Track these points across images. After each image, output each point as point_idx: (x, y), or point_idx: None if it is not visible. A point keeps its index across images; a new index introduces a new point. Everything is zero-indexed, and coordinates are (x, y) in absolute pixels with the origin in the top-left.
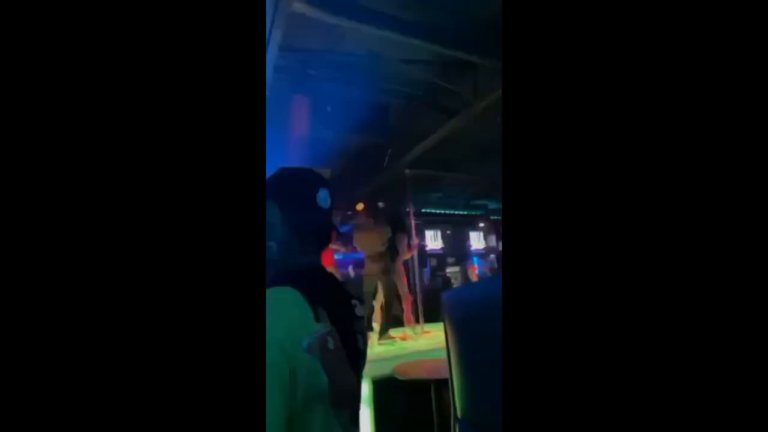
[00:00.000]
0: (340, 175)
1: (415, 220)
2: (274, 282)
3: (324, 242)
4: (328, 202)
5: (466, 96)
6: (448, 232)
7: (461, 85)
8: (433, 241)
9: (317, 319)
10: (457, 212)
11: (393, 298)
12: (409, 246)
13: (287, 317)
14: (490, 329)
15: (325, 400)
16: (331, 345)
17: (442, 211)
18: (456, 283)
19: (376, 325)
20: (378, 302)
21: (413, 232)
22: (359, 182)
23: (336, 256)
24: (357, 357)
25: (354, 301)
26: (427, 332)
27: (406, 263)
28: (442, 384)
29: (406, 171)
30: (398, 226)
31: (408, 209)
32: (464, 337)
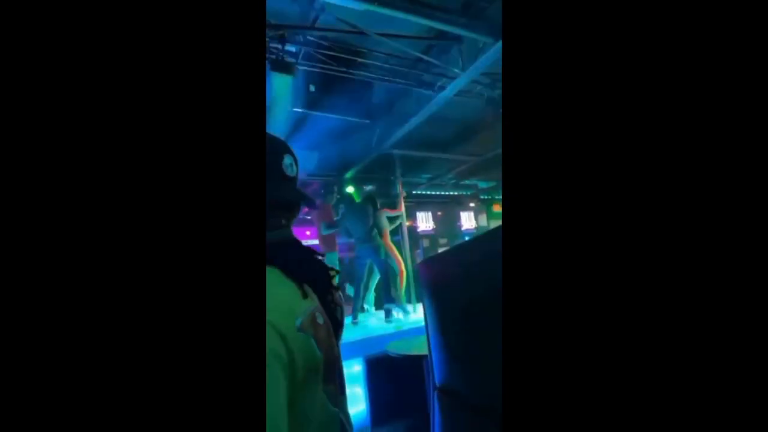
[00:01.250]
0: (328, 157)
1: (404, 201)
2: None
3: (294, 212)
4: (294, 169)
5: (452, 72)
6: (439, 213)
7: (446, 60)
8: (425, 222)
9: (304, 295)
10: (446, 193)
11: (387, 277)
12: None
13: (277, 299)
14: (464, 297)
15: (319, 376)
16: (320, 320)
17: (432, 192)
18: None
19: (368, 306)
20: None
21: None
22: (347, 163)
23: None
24: (337, 328)
25: (331, 272)
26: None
27: (398, 244)
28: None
29: (394, 151)
30: (375, 205)
31: (399, 192)
32: (439, 306)
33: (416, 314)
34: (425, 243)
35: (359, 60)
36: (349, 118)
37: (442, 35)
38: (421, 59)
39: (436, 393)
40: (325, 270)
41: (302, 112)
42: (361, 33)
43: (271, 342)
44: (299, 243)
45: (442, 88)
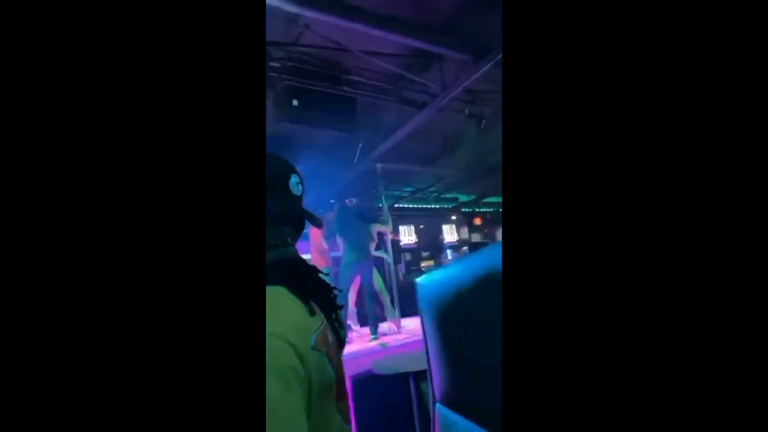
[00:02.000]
0: (311, 172)
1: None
2: None
3: (299, 231)
4: (300, 188)
5: (433, 88)
6: (422, 226)
7: (428, 78)
8: (407, 235)
9: (312, 313)
10: (428, 206)
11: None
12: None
13: (291, 318)
14: (463, 313)
15: (333, 394)
16: (330, 338)
17: (414, 206)
18: None
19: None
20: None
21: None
22: (330, 178)
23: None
24: (341, 346)
25: (335, 291)
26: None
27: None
28: (420, 375)
29: (377, 165)
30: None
31: (381, 204)
32: (438, 321)
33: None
34: (407, 257)
35: (342, 76)
36: (332, 132)
37: (423, 53)
38: (402, 76)
39: (437, 406)
40: (328, 288)
41: (285, 126)
42: (344, 50)
43: (291, 361)
44: (304, 261)
45: (424, 104)
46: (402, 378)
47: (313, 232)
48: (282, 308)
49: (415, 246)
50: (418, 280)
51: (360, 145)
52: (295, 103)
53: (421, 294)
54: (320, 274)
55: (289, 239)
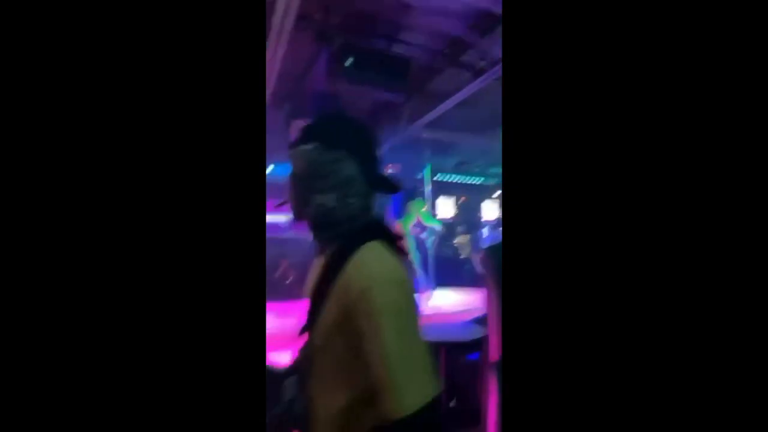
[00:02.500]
0: None
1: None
2: (359, 237)
3: (391, 193)
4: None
5: (493, 56)
6: (462, 200)
7: (489, 43)
8: (446, 209)
9: (403, 263)
10: (471, 180)
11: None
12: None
13: (397, 263)
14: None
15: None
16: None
17: (456, 179)
18: (463, 254)
19: None
20: None
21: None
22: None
23: None
24: None
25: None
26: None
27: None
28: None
29: (423, 132)
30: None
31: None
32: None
33: None
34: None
35: (399, 36)
36: (383, 95)
37: (486, 14)
38: (462, 39)
39: (496, 366)
40: (405, 250)
41: (335, 87)
42: (405, 5)
43: (411, 296)
44: (387, 224)
45: (482, 70)
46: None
47: None
48: (389, 256)
49: (452, 221)
50: (484, 250)
51: (406, 110)
52: (349, 61)
53: (487, 264)
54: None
55: (372, 205)
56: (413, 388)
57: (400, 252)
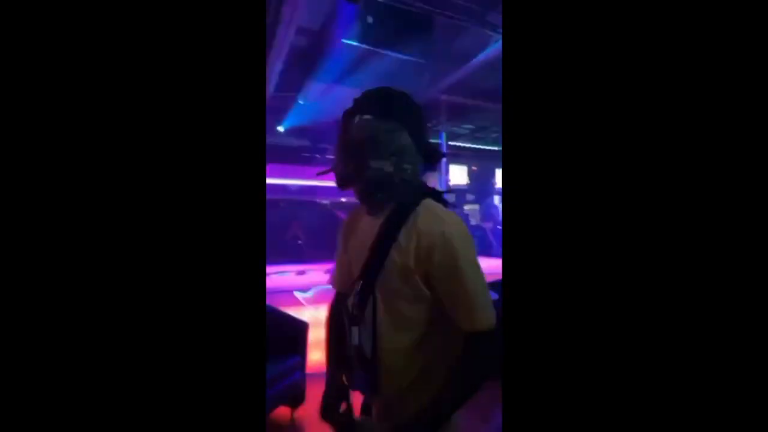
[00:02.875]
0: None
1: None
2: (415, 197)
3: (438, 163)
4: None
5: None
6: (474, 168)
7: None
8: (459, 176)
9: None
10: (486, 147)
11: None
12: None
13: (458, 217)
14: None
15: None
16: None
17: (471, 145)
18: (474, 220)
19: None
20: None
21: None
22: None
23: None
24: None
25: None
26: None
27: None
28: None
29: (442, 96)
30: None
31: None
32: None
33: None
34: (451, 198)
35: None
36: (405, 57)
37: None
38: None
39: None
40: None
41: (355, 45)
42: None
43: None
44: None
45: None
46: None
47: None
48: (447, 210)
49: (465, 188)
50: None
51: (426, 73)
52: (369, 20)
53: None
54: None
55: (430, 170)
56: (490, 309)
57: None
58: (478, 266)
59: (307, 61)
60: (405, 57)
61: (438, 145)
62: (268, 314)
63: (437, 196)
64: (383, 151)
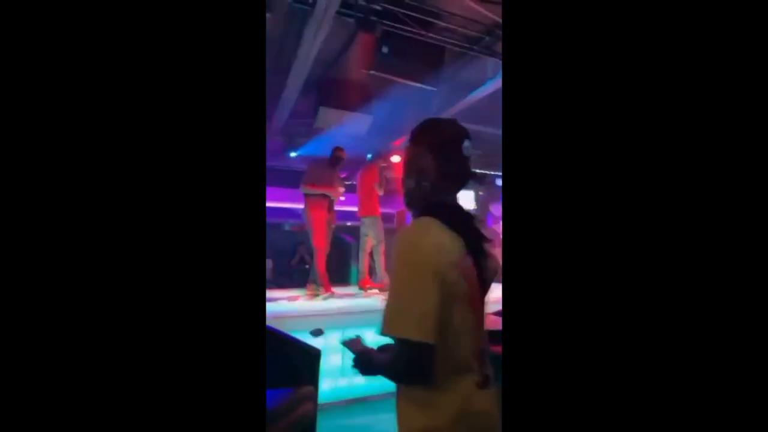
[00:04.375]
0: (381, 122)
1: None
2: (425, 213)
3: (463, 184)
4: (469, 151)
5: None
6: (481, 193)
7: None
8: (467, 201)
9: (456, 239)
10: (495, 173)
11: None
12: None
13: (443, 238)
14: None
15: (465, 299)
16: (468, 262)
17: (479, 171)
18: None
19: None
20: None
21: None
22: (399, 131)
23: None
24: (485, 285)
25: (483, 232)
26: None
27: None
28: None
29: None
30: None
31: None
32: None
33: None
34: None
35: (436, 22)
36: (416, 85)
37: None
38: (499, 25)
39: None
40: (480, 234)
41: (370, 74)
42: None
43: (442, 266)
44: (461, 207)
45: None
46: None
47: (367, 176)
48: (427, 231)
49: (473, 212)
50: None
51: (434, 99)
52: (384, 50)
53: None
54: (475, 222)
55: (453, 189)
56: (399, 320)
57: (454, 229)
58: (407, 275)
59: (322, 88)
60: (416, 85)
61: (466, 167)
62: (278, 340)
63: (442, 213)
64: (410, 170)
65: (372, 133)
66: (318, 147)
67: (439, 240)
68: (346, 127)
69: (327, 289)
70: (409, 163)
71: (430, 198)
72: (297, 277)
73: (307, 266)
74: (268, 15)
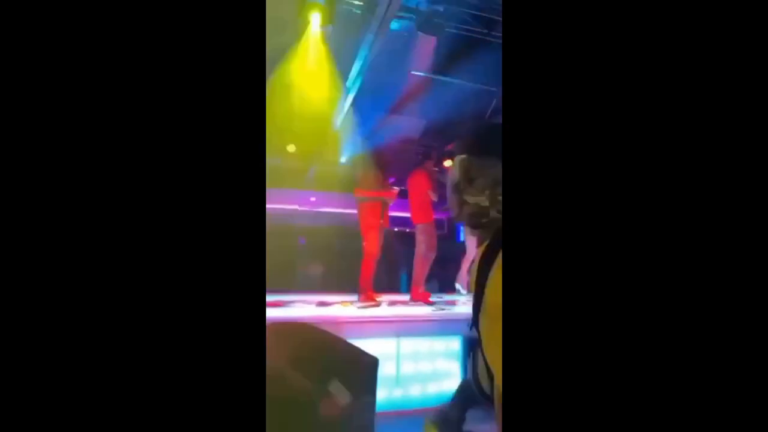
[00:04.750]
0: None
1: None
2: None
3: None
4: None
5: None
6: None
7: None
8: None
9: None
10: None
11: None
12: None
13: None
14: None
15: None
16: None
17: None
18: None
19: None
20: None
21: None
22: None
23: None
24: None
25: None
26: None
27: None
28: None
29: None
30: None
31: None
32: None
33: None
34: None
35: (496, 18)
36: (471, 84)
37: None
38: None
39: None
40: None
41: (423, 75)
42: None
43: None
44: None
45: None
46: None
47: (417, 181)
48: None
49: None
50: None
51: (495, 100)
52: (447, 51)
53: None
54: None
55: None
56: None
57: None
58: None
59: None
60: (472, 84)
61: None
62: (331, 346)
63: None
64: (479, 186)
65: (426, 136)
66: (364, 147)
67: None
68: (399, 132)
69: (369, 298)
70: (473, 178)
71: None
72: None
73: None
74: (330, 27)
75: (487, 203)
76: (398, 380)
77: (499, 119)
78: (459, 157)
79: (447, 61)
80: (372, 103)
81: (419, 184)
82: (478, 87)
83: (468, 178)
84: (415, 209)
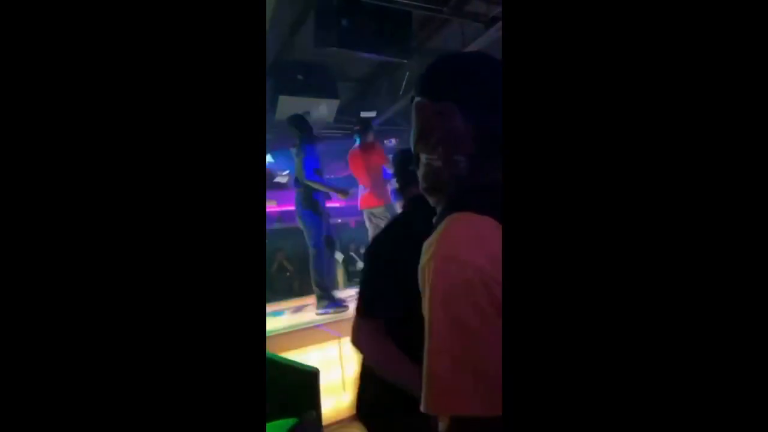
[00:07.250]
0: (349, 105)
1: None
2: (454, 205)
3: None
4: None
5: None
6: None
7: None
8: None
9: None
10: None
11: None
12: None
13: (491, 250)
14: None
15: None
16: None
17: None
18: None
19: None
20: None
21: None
22: (371, 108)
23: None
24: None
25: None
26: None
27: None
28: None
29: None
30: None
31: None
32: None
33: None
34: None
35: None
36: (383, 58)
37: None
38: None
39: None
40: None
41: (330, 50)
42: None
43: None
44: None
45: (495, 19)
46: None
47: (373, 158)
48: (473, 231)
49: None
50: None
51: (407, 73)
52: (344, 23)
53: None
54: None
55: (496, 165)
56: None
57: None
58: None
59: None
60: (383, 58)
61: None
62: (268, 364)
63: (486, 203)
64: (431, 140)
65: (340, 120)
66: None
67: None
68: (311, 116)
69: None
70: (427, 130)
71: (466, 181)
72: (280, 289)
73: (287, 273)
74: None
75: (439, 163)
76: (344, 385)
77: (455, 61)
78: (415, 100)
79: (353, 35)
80: (274, 85)
81: (373, 160)
82: (391, 60)
83: (423, 129)
84: (371, 190)
